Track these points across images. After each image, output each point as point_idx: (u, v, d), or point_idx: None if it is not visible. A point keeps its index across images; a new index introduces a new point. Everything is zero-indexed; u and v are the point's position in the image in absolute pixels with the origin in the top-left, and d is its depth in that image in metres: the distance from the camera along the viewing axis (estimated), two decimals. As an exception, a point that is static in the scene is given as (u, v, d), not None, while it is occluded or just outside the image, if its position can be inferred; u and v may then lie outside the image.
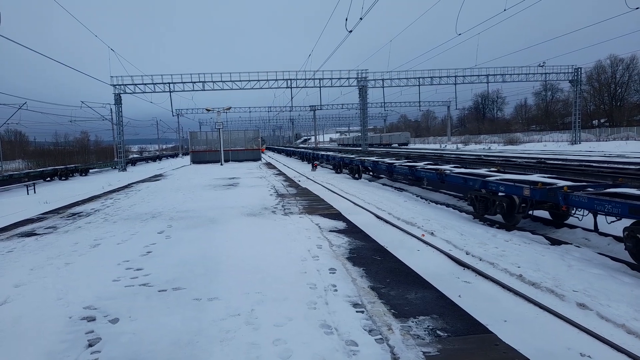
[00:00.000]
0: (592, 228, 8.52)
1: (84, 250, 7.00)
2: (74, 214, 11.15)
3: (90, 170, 38.95)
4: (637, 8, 20.19)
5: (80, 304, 4.58)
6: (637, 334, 4.49)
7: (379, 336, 3.62)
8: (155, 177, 23.98)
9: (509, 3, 19.50)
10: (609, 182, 9.32)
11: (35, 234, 8.64)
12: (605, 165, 18.73)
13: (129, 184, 20.14)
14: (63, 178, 31.85)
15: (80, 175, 35.46)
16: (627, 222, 6.88)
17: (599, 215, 8.12)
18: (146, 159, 66.26)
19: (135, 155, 73.66)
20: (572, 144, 47.63)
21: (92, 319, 4.19)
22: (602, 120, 65.98)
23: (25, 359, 3.48)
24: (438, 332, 3.65)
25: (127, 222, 9.51)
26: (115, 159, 44.64)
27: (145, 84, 41.06)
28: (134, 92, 41.14)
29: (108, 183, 23.95)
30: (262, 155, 48.54)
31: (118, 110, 40.78)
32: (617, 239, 7.84)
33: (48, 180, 30.55)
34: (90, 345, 3.66)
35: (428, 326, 3.77)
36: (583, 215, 8.53)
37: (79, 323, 4.12)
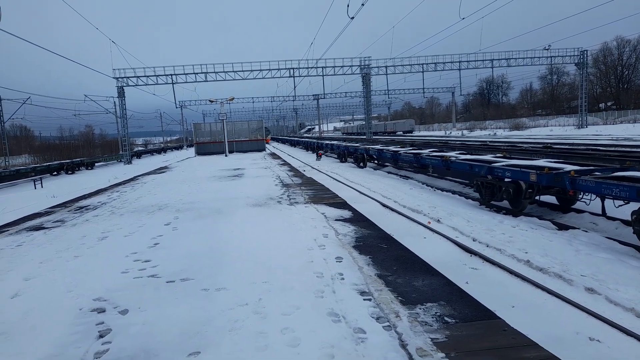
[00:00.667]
0: (600, 212, 8.47)
1: (92, 243, 7.05)
2: (81, 208, 11.23)
3: (96, 164, 39.15)
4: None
5: (90, 296, 4.62)
6: (646, 318, 4.47)
7: (387, 323, 3.63)
8: (161, 170, 24.06)
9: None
10: (616, 166, 9.23)
11: (44, 228, 8.71)
12: (613, 148, 18.55)
13: (134, 177, 20.23)
14: (69, 172, 32.05)
15: (86, 168, 35.66)
16: (635, 205, 6.83)
17: (606, 200, 8.06)
18: (151, 152, 66.47)
19: (140, 148, 73.89)
20: (579, 128, 47.21)
21: (102, 311, 4.23)
22: (609, 104, 65.28)
23: (37, 351, 3.52)
24: (446, 318, 3.65)
25: (134, 214, 9.56)
26: (121, 152, 44.83)
27: (147, 76, 41.00)
28: (136, 85, 41.11)
29: (114, 176, 24.08)
30: (267, 145, 48.42)
31: (121, 103, 40.83)
32: (625, 222, 7.79)
33: (54, 175, 30.76)
34: (100, 336, 3.70)
35: (436, 313, 3.77)
36: (590, 200, 8.48)
37: (89, 315, 4.16)
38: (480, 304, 3.95)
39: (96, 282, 5.05)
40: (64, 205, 12.04)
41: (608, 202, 8.08)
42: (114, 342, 3.58)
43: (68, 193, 17.06)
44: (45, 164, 32.70)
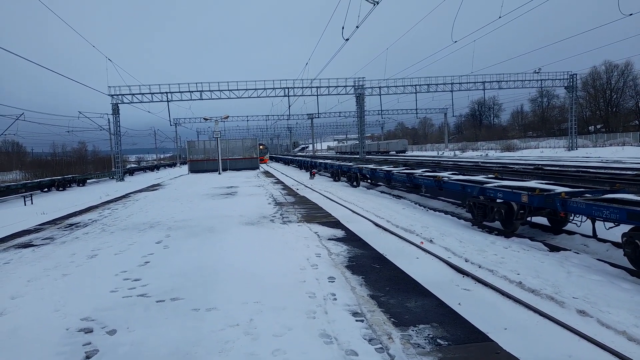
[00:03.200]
0: (591, 234, 8.52)
1: (82, 261, 6.96)
2: (71, 225, 11.10)
3: (88, 181, 38.85)
4: (630, 14, 20.40)
5: (77, 316, 4.54)
6: (639, 341, 4.47)
7: (379, 345, 3.59)
8: (153, 187, 23.93)
9: (504, 10, 19.67)
10: (606, 188, 9.34)
11: (33, 245, 8.59)
12: (603, 171, 18.78)
13: (126, 194, 20.09)
14: (60, 189, 31.76)
15: (78, 185, 35.36)
16: (625, 227, 6.88)
17: (597, 221, 8.13)
18: (144, 169, 66.16)
19: (133, 165, 73.53)
20: (569, 150, 47.80)
21: (89, 331, 4.15)
22: (598, 126, 66.30)
23: (22, 372, 3.44)
24: (439, 340, 3.63)
25: (125, 232, 9.47)
26: (113, 169, 44.58)
27: (142, 94, 41.10)
28: (131, 102, 41.17)
29: (106, 193, 23.89)
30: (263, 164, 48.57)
31: (116, 120, 40.79)
32: (616, 244, 7.84)
33: (45, 191, 30.45)
34: (87, 358, 3.62)
35: (428, 335, 3.75)
36: (581, 222, 8.53)
37: (76, 335, 4.08)
38: (472, 325, 3.93)
39: (84, 301, 4.97)
40: (53, 222, 11.91)
41: (599, 224, 8.15)
42: (101, 363, 3.51)
43: (58, 210, 16.88)
44: (36, 180, 32.41)
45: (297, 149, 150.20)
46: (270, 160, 74.08)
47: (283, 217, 10.50)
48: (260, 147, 56.36)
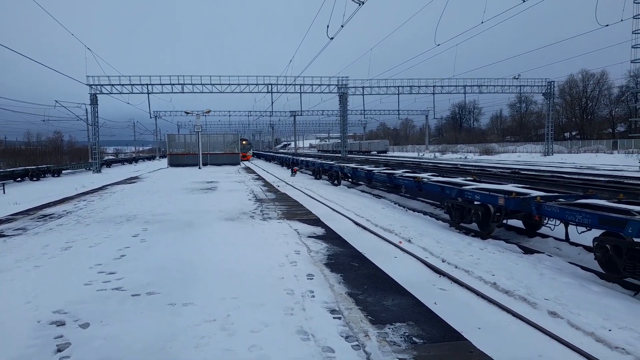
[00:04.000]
0: (564, 238, 8.75)
1: (55, 253, 6.80)
2: (44, 216, 10.83)
3: (63, 171, 37.93)
4: (607, 25, 21.00)
5: (49, 308, 4.44)
6: (605, 342, 4.61)
7: (356, 342, 3.62)
8: (131, 180, 23.52)
9: (487, 15, 19.99)
10: (580, 193, 9.60)
11: (4, 236, 8.35)
12: (577, 176, 19.28)
13: (103, 186, 19.70)
14: (34, 179, 30.93)
15: (53, 176, 34.50)
16: (596, 232, 7.08)
17: (570, 225, 8.35)
18: (122, 161, 64.97)
19: (110, 157, 72.12)
20: (545, 155, 48.95)
21: (61, 324, 4.07)
22: (573, 133, 68.11)
23: (-10, 365, 3.35)
24: (414, 338, 3.68)
25: (101, 224, 9.29)
26: (90, 160, 43.64)
27: (122, 85, 40.35)
28: (110, 93, 40.39)
29: (81, 185, 23.38)
30: (246, 161, 47.78)
31: (94, 111, 39.95)
32: (587, 248, 8.07)
33: (19, 181, 29.62)
34: (59, 351, 3.54)
35: (404, 333, 3.79)
36: (555, 225, 8.75)
37: (48, 327, 3.99)
38: (447, 324, 4.00)
39: (57, 294, 4.86)
40: (26, 212, 11.59)
41: (571, 228, 8.37)
42: (73, 356, 3.44)
43: (32, 200, 16.43)
44: (9, 169, 31.48)
45: (279, 146, 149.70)
46: (252, 156, 70.84)
47: (263, 214, 10.46)
48: (243, 142, 55.02)
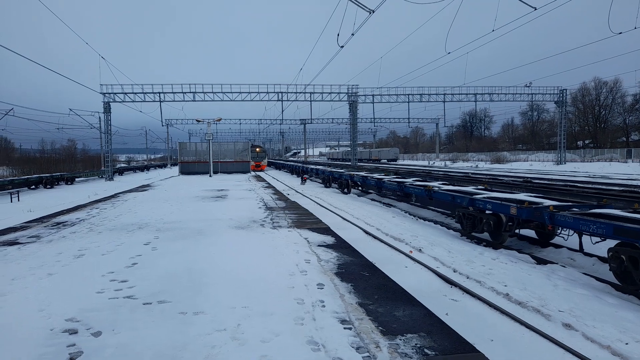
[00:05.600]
0: (578, 248, 8.62)
1: (68, 261, 6.87)
2: (58, 223, 10.96)
3: (77, 179, 38.44)
4: (620, 33, 20.81)
5: (62, 316, 4.48)
6: (622, 356, 4.52)
7: (367, 354, 3.59)
8: (143, 188, 23.73)
9: (498, 24, 19.96)
10: (593, 203, 9.47)
11: (18, 243, 8.46)
12: (590, 185, 19.04)
13: (115, 194, 19.90)
14: (48, 186, 31.37)
15: (66, 184, 34.97)
16: (611, 242, 6.98)
17: (584, 236, 8.23)
18: (134, 169, 65.65)
19: (122, 165, 72.96)
20: (558, 164, 48.42)
21: (74, 332, 4.10)
22: (586, 142, 67.32)
23: (3, 373, 3.38)
24: (426, 350, 3.64)
25: (113, 232, 9.38)
26: (103, 168, 44.17)
27: (135, 93, 40.86)
28: (123, 101, 40.92)
29: (94, 192, 23.64)
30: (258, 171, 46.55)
31: (107, 119, 40.48)
32: (602, 259, 7.94)
33: (33, 189, 30.06)
34: (71, 359, 3.57)
35: (416, 344, 3.75)
36: (569, 235, 8.63)
37: (61, 336, 4.02)
38: (459, 336, 3.95)
39: (70, 302, 4.90)
40: (40, 220, 11.75)
41: (585, 238, 8.25)
42: (85, 365, 3.46)
43: (46, 208, 16.66)
44: (23, 177, 31.97)
45: (289, 154, 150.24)
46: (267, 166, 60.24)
47: (273, 222, 10.48)
48: (257, 150, 52.30)
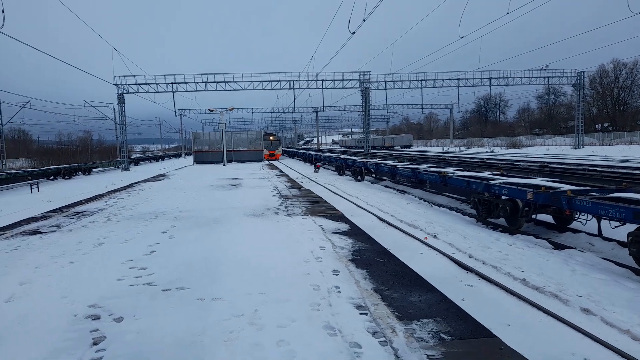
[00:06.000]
0: (596, 233, 8.50)
1: (88, 249, 7.02)
2: (77, 213, 11.18)
3: (93, 170, 39.03)
4: (639, 13, 20.15)
5: (84, 303, 4.59)
6: (641, 340, 4.47)
7: (383, 338, 3.62)
8: (158, 177, 24.02)
9: (512, 6, 19.49)
10: (612, 187, 9.29)
11: (40, 232, 8.66)
12: (609, 169, 18.68)
13: (132, 184, 20.19)
14: (66, 177, 31.93)
15: (84, 174, 35.54)
16: (631, 227, 6.86)
17: (602, 220, 8.10)
18: (149, 159, 66.38)
19: (138, 155, 73.79)
20: (575, 148, 47.54)
21: (96, 318, 4.21)
22: (605, 125, 65.83)
23: (30, 356, 3.49)
24: (442, 335, 3.65)
25: (131, 221, 9.53)
26: (118, 159, 44.76)
27: (148, 84, 41.11)
28: (137, 92, 41.20)
29: (111, 182, 24.00)
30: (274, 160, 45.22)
31: (121, 110, 40.85)
32: (621, 244, 7.82)
33: (51, 179, 30.63)
34: (95, 344, 3.67)
35: (432, 329, 3.77)
36: (587, 220, 8.50)
37: (84, 321, 4.13)
38: (476, 321, 3.95)
39: (91, 289, 5.03)
40: (60, 210, 12.00)
41: (604, 223, 8.12)
42: (108, 349, 3.56)
43: (65, 198, 16.98)
44: (42, 168, 32.57)
45: (301, 142, 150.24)
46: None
47: (287, 210, 10.53)
48: (271, 138, 50.04)
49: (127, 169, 40.72)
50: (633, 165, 21.06)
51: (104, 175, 33.92)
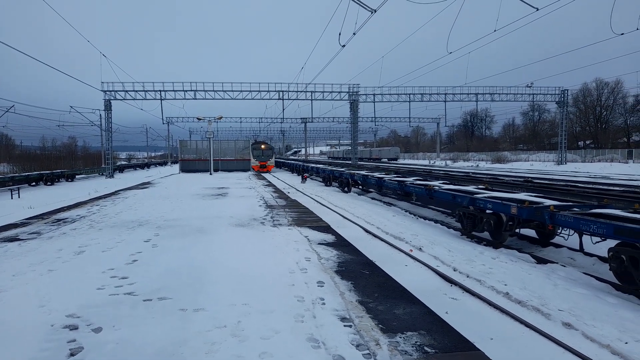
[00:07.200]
0: (578, 248, 8.62)
1: (68, 257, 6.88)
2: (58, 220, 10.97)
3: (77, 176, 38.44)
4: (622, 34, 20.76)
5: (62, 312, 4.48)
6: (622, 355, 4.52)
7: (367, 351, 3.59)
8: (143, 185, 23.74)
9: (499, 24, 19.93)
10: (594, 203, 9.46)
11: (19, 239, 8.47)
12: (591, 186, 19.02)
13: (116, 191, 19.91)
14: (49, 183, 31.39)
15: (67, 180, 34.98)
16: (612, 242, 6.97)
17: (584, 235, 8.22)
18: (134, 166, 65.68)
19: (123, 162, 72.94)
20: (558, 164, 48.37)
21: (74, 328, 4.10)
22: (587, 142, 67.21)
23: (4, 368, 3.39)
24: (426, 348, 3.64)
25: (113, 229, 9.38)
26: (103, 166, 44.19)
27: (136, 91, 40.85)
28: (124, 99, 40.89)
29: (95, 189, 23.64)
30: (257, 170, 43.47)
31: (107, 117, 40.46)
32: (602, 259, 7.94)
33: (33, 185, 30.07)
34: (72, 355, 3.57)
35: (416, 342, 3.76)
36: (569, 235, 8.62)
37: (61, 331, 4.03)
38: (459, 334, 3.95)
39: (70, 298, 4.91)
40: (41, 217, 11.76)
41: (586, 238, 8.24)
42: (86, 360, 3.47)
43: (46, 205, 16.65)
44: (24, 174, 31.98)
45: (289, 153, 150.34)
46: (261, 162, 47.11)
47: (274, 220, 10.48)
48: (262, 147, 44.91)
49: (112, 176, 40.21)
50: (614, 182, 21.49)
51: (88, 182, 33.41)
